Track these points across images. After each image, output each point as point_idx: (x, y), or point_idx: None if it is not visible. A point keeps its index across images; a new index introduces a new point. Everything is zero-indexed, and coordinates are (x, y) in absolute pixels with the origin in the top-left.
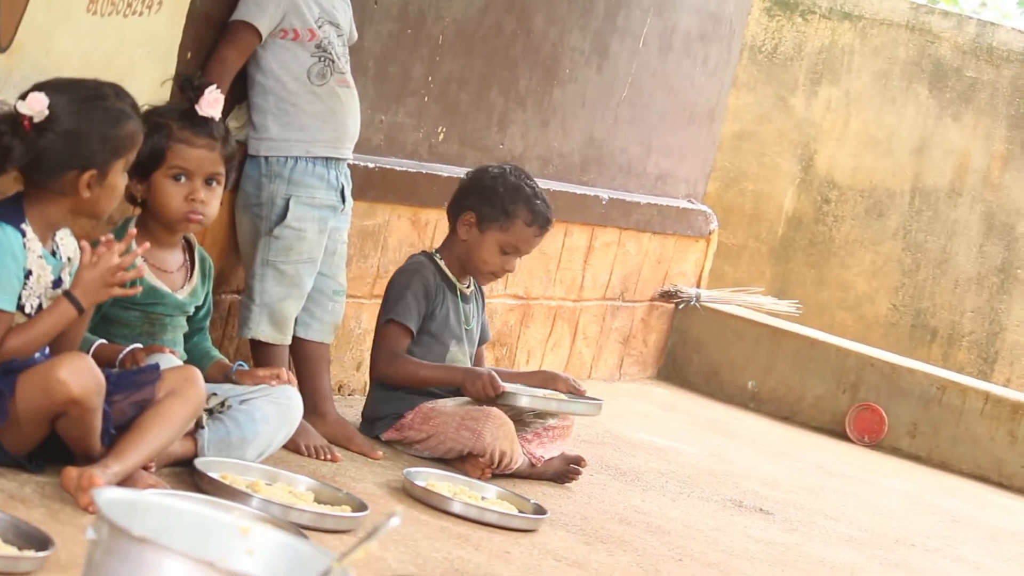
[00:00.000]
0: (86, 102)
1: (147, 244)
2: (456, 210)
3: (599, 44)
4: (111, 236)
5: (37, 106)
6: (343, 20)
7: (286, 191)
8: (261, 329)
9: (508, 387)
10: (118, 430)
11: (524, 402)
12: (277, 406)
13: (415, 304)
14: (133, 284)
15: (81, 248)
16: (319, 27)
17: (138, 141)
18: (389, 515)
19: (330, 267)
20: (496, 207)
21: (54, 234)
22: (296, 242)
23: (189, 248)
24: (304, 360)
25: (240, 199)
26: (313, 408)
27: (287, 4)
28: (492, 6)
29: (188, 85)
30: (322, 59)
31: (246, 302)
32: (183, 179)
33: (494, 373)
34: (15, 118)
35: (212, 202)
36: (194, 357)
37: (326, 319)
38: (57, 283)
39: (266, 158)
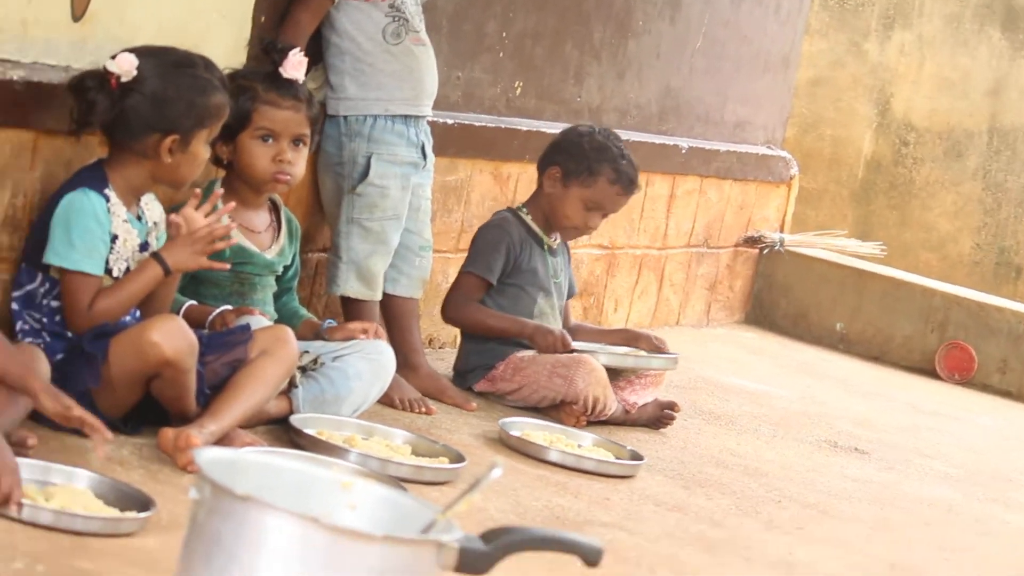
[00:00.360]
0: (175, 67)
1: (232, 204)
2: (543, 165)
3: None
4: (197, 192)
5: (126, 65)
6: None
7: (367, 149)
8: (349, 285)
9: (583, 345)
10: (212, 390)
11: (600, 360)
12: (370, 362)
13: (495, 258)
14: (222, 257)
15: (171, 221)
16: None
17: (223, 114)
18: (491, 466)
19: (415, 223)
20: (581, 163)
21: (138, 199)
22: (379, 199)
23: (275, 209)
24: (394, 316)
25: (322, 159)
26: (405, 362)
27: None
28: None
29: (271, 48)
30: (396, 18)
31: (333, 260)
32: (270, 140)
33: (565, 333)
34: (103, 76)
35: (298, 163)
36: (283, 317)
37: (414, 274)
38: (144, 247)
39: (345, 117)
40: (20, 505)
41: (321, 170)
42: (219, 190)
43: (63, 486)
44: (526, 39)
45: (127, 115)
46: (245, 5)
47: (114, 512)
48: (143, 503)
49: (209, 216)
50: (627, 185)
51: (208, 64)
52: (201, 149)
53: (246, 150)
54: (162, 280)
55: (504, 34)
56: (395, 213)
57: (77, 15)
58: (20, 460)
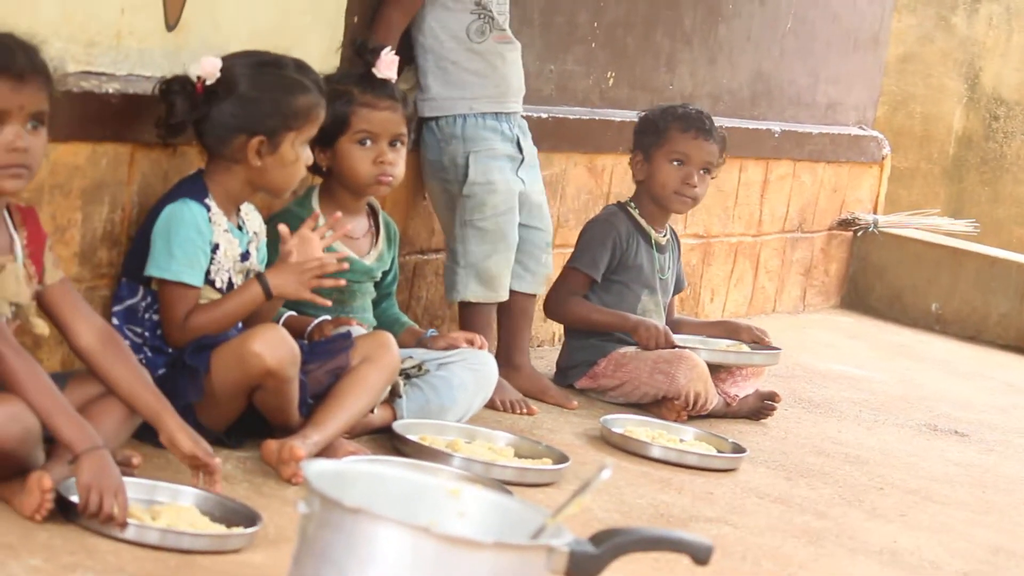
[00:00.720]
0: (260, 67)
1: (348, 226)
2: (631, 161)
3: None
4: (315, 225)
5: (209, 68)
6: None
7: (464, 149)
8: (470, 290)
9: (684, 340)
10: (315, 399)
11: (702, 357)
12: (473, 372)
13: (601, 253)
14: (329, 294)
15: (283, 237)
16: None
17: (316, 116)
18: (600, 468)
19: (536, 219)
20: (650, 131)
21: (238, 208)
22: (488, 196)
23: (373, 213)
24: (507, 312)
25: (424, 166)
26: (508, 360)
27: None
28: None
29: (363, 48)
30: (481, 16)
31: (450, 266)
32: (368, 143)
33: (667, 329)
34: (187, 80)
35: (399, 163)
36: (383, 323)
37: (539, 271)
38: (244, 256)
39: (436, 121)
40: (127, 525)
41: (426, 177)
42: (316, 211)
43: (169, 504)
44: (617, 28)
45: (213, 118)
46: (337, 7)
47: (221, 529)
48: (250, 518)
49: (323, 240)
50: (698, 126)
51: (301, 66)
52: (291, 152)
53: (346, 155)
54: (263, 302)
55: (595, 24)
56: (507, 207)
57: (171, 24)
58: (126, 479)
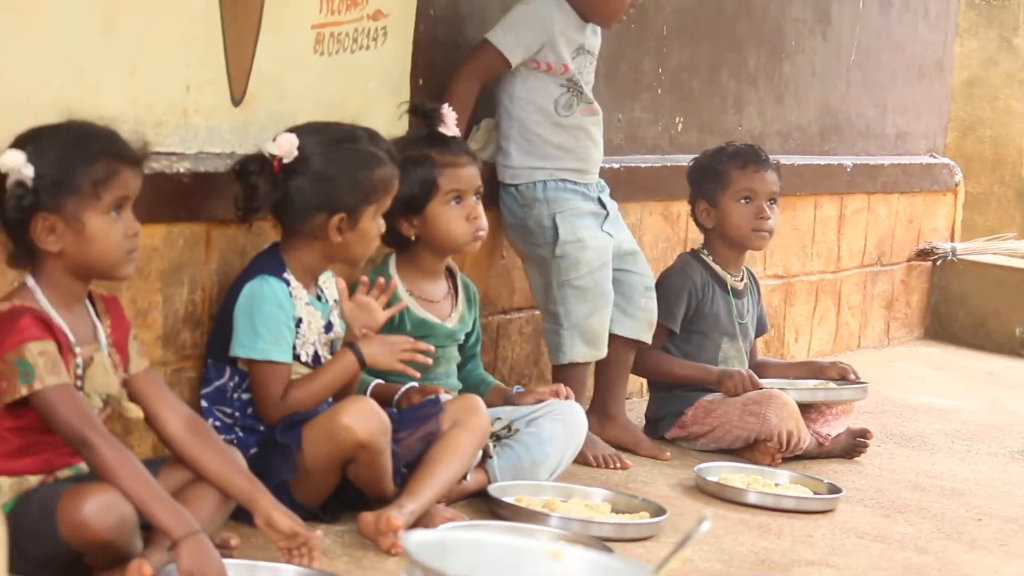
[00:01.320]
0: (336, 144)
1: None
2: (692, 210)
3: (820, 11)
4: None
5: (286, 146)
6: (597, 44)
7: (549, 211)
8: (576, 351)
9: (770, 383)
10: (408, 467)
11: (790, 397)
12: (563, 423)
13: (678, 305)
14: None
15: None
16: (573, 59)
17: (392, 187)
18: (699, 519)
19: (631, 263)
20: (710, 178)
21: (316, 279)
22: (581, 254)
23: (451, 276)
24: (605, 361)
25: (508, 231)
26: (604, 410)
27: (545, 37)
28: None
29: (422, 110)
30: (570, 89)
31: (553, 328)
32: (459, 201)
33: (751, 373)
34: (264, 159)
35: (484, 216)
36: (469, 385)
37: (639, 315)
38: (328, 327)
39: (516, 186)
40: None
41: (513, 241)
42: (395, 278)
43: None
44: (682, 73)
45: (292, 197)
46: (402, 72)
47: None
48: None
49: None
50: (754, 158)
51: (373, 136)
52: (371, 225)
53: (440, 217)
54: (358, 372)
55: (660, 70)
56: (600, 262)
57: (237, 99)
58: (226, 561)
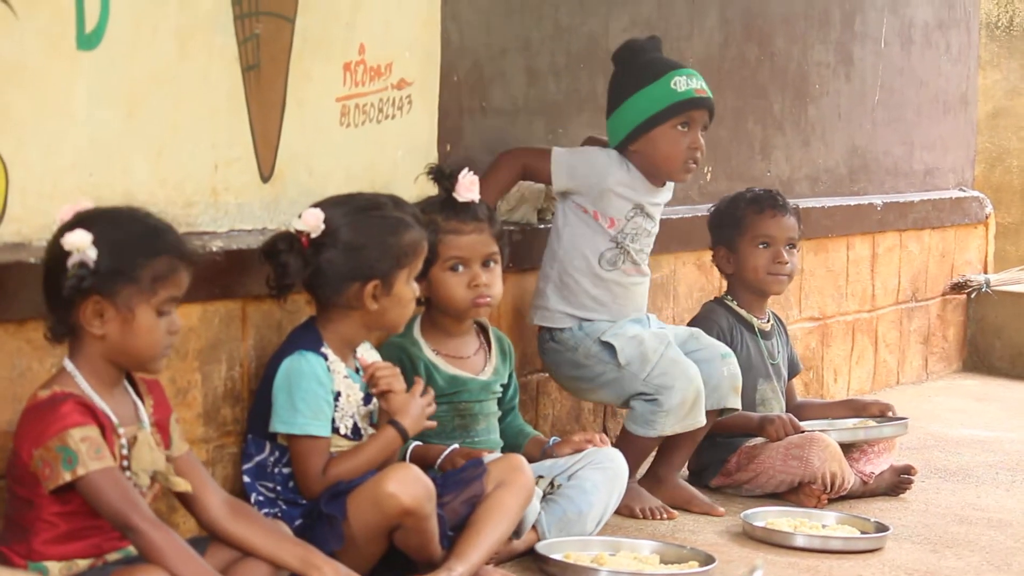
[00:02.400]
0: (362, 213)
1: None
2: (714, 256)
3: (842, 53)
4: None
5: (313, 221)
6: (659, 207)
7: (594, 337)
8: (669, 428)
9: (811, 425)
10: (454, 530)
11: (832, 437)
12: (603, 471)
13: None
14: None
15: (361, 365)
16: (629, 219)
17: (421, 249)
18: (751, 568)
19: (697, 343)
20: (727, 224)
21: (355, 351)
22: (644, 351)
23: (483, 330)
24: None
25: (556, 373)
26: (655, 475)
27: (596, 186)
28: (732, 37)
29: (440, 175)
30: (619, 246)
31: (650, 412)
32: (461, 268)
33: (791, 416)
34: (292, 236)
35: (495, 283)
36: (509, 435)
37: (723, 383)
38: (367, 399)
39: (550, 331)
40: None
41: (566, 380)
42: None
43: None
44: None
45: (324, 270)
46: (428, 137)
47: None
48: None
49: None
50: (771, 202)
51: (397, 202)
52: (405, 289)
53: (441, 283)
54: (399, 447)
55: None
56: (663, 343)
57: (266, 176)
58: None
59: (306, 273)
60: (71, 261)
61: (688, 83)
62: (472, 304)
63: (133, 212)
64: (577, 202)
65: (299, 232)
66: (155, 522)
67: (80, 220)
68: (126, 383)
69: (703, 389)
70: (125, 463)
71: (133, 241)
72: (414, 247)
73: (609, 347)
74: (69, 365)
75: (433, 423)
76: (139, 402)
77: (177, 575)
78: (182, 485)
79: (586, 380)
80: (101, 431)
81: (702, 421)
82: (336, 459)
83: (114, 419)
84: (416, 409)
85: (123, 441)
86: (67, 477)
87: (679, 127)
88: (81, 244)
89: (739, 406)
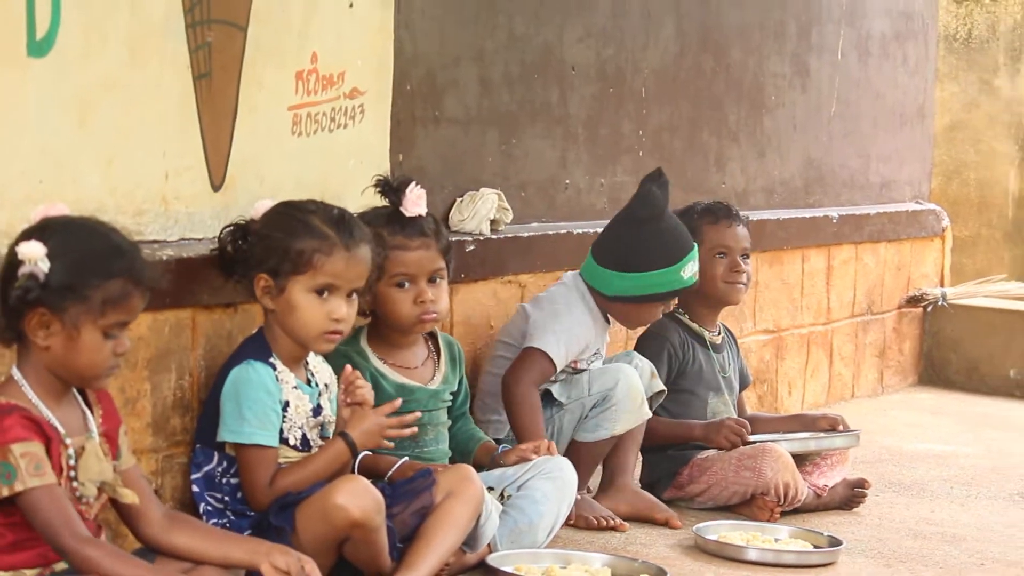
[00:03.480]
0: (281, 208)
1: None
2: None
3: (798, 65)
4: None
5: (260, 210)
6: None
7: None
8: (621, 425)
9: (760, 438)
10: (403, 542)
11: (782, 447)
12: (552, 480)
13: (659, 367)
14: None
15: (344, 376)
16: (590, 363)
17: (318, 262)
18: None
19: (627, 357)
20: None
21: (306, 362)
22: (573, 379)
23: (432, 337)
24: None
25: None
26: (611, 481)
27: (585, 347)
28: (687, 48)
29: (387, 188)
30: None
31: (600, 415)
32: (407, 284)
33: (738, 419)
34: (241, 224)
35: (441, 298)
36: (460, 441)
37: (644, 374)
38: (317, 411)
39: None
40: None
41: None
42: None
43: None
44: (663, 133)
45: (238, 257)
46: (381, 147)
47: None
48: None
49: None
50: (727, 215)
51: (321, 208)
52: (301, 298)
53: (386, 299)
54: (348, 461)
55: (640, 132)
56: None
57: (216, 184)
58: None
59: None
60: (21, 271)
61: (692, 269)
62: (418, 320)
63: (97, 228)
64: None
65: (250, 220)
66: (87, 539)
67: (42, 228)
68: (75, 392)
69: (641, 384)
70: (72, 473)
71: (90, 260)
72: (305, 255)
73: (547, 403)
74: (16, 374)
75: (389, 444)
76: (88, 412)
77: None
78: (130, 497)
79: (553, 438)
80: (47, 443)
81: (648, 413)
82: (284, 470)
83: (61, 429)
84: (371, 424)
85: (70, 452)
86: (4, 491)
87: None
88: (33, 255)
89: (664, 388)
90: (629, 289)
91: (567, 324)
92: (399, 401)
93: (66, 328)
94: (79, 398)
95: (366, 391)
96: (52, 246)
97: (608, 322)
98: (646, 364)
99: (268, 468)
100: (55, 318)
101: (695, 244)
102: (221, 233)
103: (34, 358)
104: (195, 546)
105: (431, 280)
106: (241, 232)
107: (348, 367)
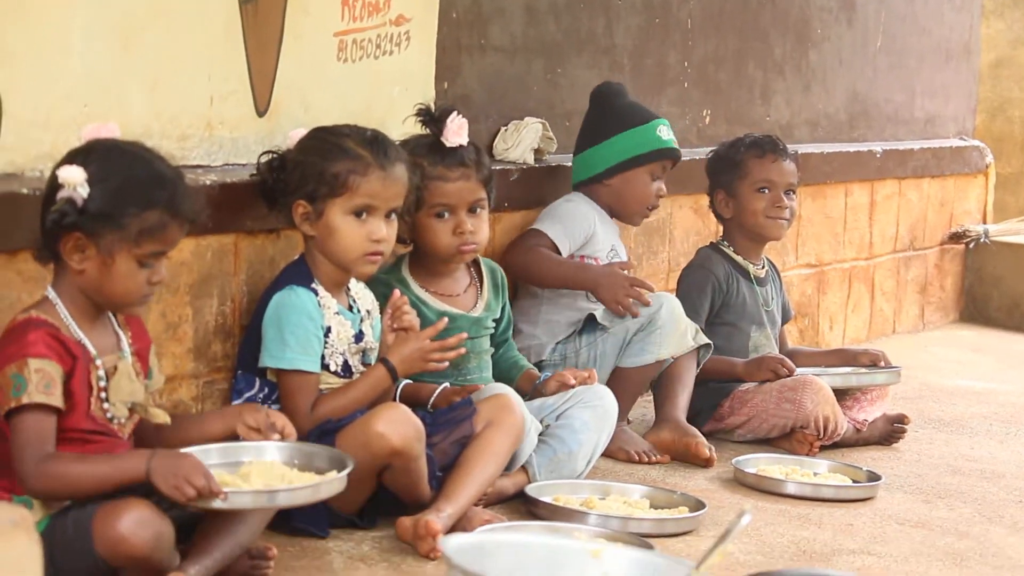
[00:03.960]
0: (315, 133)
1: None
2: (711, 202)
3: None
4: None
5: (294, 137)
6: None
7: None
8: (667, 349)
9: (801, 370)
10: (443, 471)
11: (823, 381)
12: (592, 409)
13: (701, 301)
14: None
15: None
16: (611, 259)
17: (353, 184)
18: (739, 513)
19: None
20: (727, 168)
21: (348, 288)
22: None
23: (476, 264)
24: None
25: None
26: (664, 415)
27: (589, 231)
28: None
29: (428, 117)
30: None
31: (645, 338)
32: (446, 215)
33: (781, 358)
34: (280, 153)
35: (481, 228)
36: (502, 368)
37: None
38: (359, 336)
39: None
40: (224, 493)
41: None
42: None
43: (255, 462)
44: (708, 65)
45: (276, 186)
46: (426, 76)
47: (313, 477)
48: (339, 461)
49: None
50: (771, 148)
51: (363, 134)
52: (340, 222)
53: (426, 229)
54: (390, 387)
55: (686, 63)
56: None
57: (261, 109)
58: (209, 446)
59: (272, 186)
60: (60, 195)
61: (669, 134)
62: (457, 251)
63: (141, 155)
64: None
65: (286, 150)
66: (49, 455)
67: (87, 151)
68: (110, 314)
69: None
70: (103, 394)
71: (129, 188)
72: (341, 177)
73: (590, 327)
74: (52, 293)
75: (437, 366)
76: (121, 332)
77: (80, 488)
78: (160, 416)
79: (595, 364)
80: (72, 364)
81: (692, 344)
82: (325, 396)
83: (92, 350)
84: (412, 349)
85: (101, 372)
86: (12, 404)
87: (652, 174)
88: (73, 180)
89: (709, 342)
90: (612, 157)
91: (564, 209)
92: (444, 321)
93: (101, 254)
94: (113, 320)
95: (412, 316)
96: (93, 171)
97: (613, 217)
98: (690, 322)
99: (310, 394)
100: (90, 243)
101: (663, 117)
102: (258, 163)
103: (69, 280)
104: (174, 433)
105: (471, 210)
106: (279, 161)
107: (396, 291)
